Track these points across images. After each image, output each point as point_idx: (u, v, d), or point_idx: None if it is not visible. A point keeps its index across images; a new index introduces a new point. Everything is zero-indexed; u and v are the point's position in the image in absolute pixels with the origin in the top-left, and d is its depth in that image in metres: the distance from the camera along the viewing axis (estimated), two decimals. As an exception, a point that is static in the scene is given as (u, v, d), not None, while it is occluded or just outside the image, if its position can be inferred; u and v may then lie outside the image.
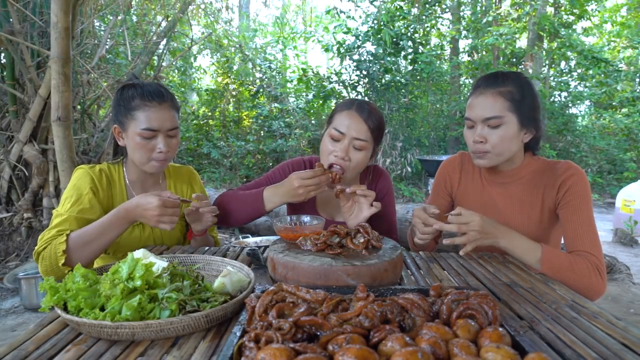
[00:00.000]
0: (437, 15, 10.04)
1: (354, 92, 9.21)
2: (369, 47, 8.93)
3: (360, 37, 8.79)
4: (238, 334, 0.71)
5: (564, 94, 9.81)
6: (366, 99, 9.00)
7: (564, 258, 1.24)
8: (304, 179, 1.38)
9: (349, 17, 8.93)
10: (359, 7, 9.21)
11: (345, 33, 8.97)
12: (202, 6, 8.57)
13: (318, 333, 0.70)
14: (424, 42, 9.54)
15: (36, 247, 1.31)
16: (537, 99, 1.39)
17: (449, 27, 10.36)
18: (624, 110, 10.16)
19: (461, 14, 10.07)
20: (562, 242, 1.46)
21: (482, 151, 1.38)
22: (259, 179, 1.70)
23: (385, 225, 1.69)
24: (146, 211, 1.26)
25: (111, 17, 5.00)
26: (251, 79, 10.15)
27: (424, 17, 9.30)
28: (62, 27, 2.41)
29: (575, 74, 9.69)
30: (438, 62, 9.93)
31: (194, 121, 9.67)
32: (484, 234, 1.20)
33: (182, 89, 9.79)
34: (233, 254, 1.40)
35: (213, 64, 10.74)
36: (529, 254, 1.24)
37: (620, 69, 9.64)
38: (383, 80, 8.92)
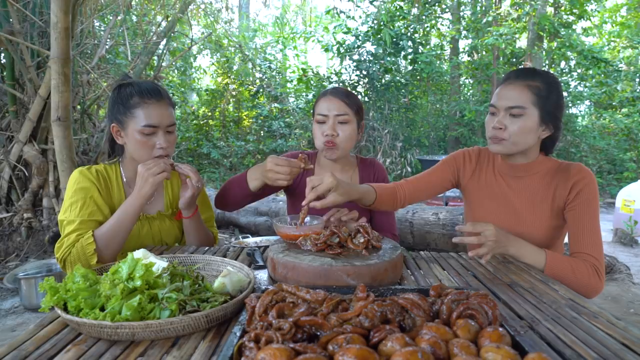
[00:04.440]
0: (437, 15, 10.05)
1: (353, 92, 9.20)
2: (369, 47, 8.94)
3: (360, 37, 8.80)
4: (238, 334, 0.71)
5: (564, 94, 9.80)
6: (366, 98, 9.07)
7: (566, 263, 1.30)
8: (276, 165, 1.44)
9: (348, 17, 8.93)
10: (358, 7, 9.21)
11: (345, 33, 8.97)
12: (202, 6, 8.57)
13: (318, 333, 0.70)
14: (423, 42, 9.55)
15: (58, 256, 1.34)
16: (562, 99, 1.44)
17: (449, 27, 10.37)
18: (624, 110, 10.16)
19: (461, 14, 10.08)
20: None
21: (500, 137, 1.41)
22: None
23: (383, 217, 1.77)
24: (140, 179, 1.36)
25: (111, 17, 5.00)
26: (251, 79, 10.16)
27: (423, 17, 9.31)
28: (62, 27, 2.41)
29: (575, 74, 9.70)
30: (438, 62, 9.94)
31: (194, 121, 9.67)
32: (498, 243, 1.27)
33: (182, 89, 9.80)
34: (233, 254, 1.40)
35: (213, 64, 10.75)
36: (534, 260, 1.31)
37: (620, 69, 9.65)
38: (383, 80, 8.92)
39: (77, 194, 1.41)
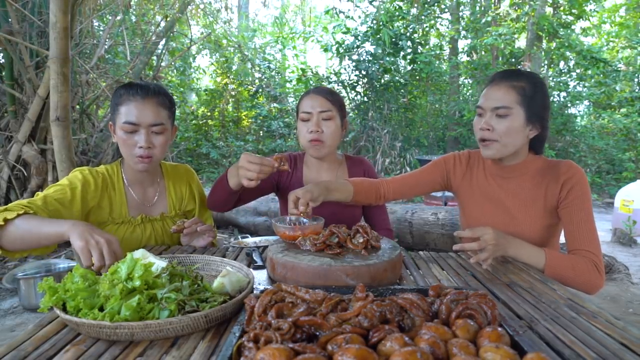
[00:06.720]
0: (436, 15, 10.05)
1: (353, 92, 9.21)
2: (368, 47, 8.93)
3: (359, 37, 8.79)
4: (237, 334, 0.71)
5: (563, 94, 9.82)
6: (365, 98, 9.06)
7: (565, 260, 1.31)
8: (248, 162, 1.35)
9: (348, 17, 8.93)
10: (358, 7, 9.21)
11: (345, 33, 8.96)
12: (201, 6, 8.57)
13: (317, 333, 0.70)
14: (423, 42, 9.54)
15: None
16: (547, 99, 1.45)
17: (448, 27, 10.37)
18: (623, 110, 10.17)
19: (460, 14, 10.08)
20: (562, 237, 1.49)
21: (489, 139, 1.42)
22: None
23: (375, 212, 1.80)
24: (85, 234, 1.08)
25: (110, 17, 4.99)
26: (250, 79, 10.15)
27: (423, 17, 9.31)
28: (61, 27, 2.40)
29: (574, 74, 9.71)
30: (437, 62, 9.93)
31: (193, 121, 9.66)
32: (497, 246, 1.26)
33: (181, 89, 9.79)
34: (232, 254, 1.40)
35: (212, 64, 10.74)
36: (534, 260, 1.31)
37: (618, 69, 9.66)
38: (382, 80, 8.92)
39: (64, 180, 1.42)
